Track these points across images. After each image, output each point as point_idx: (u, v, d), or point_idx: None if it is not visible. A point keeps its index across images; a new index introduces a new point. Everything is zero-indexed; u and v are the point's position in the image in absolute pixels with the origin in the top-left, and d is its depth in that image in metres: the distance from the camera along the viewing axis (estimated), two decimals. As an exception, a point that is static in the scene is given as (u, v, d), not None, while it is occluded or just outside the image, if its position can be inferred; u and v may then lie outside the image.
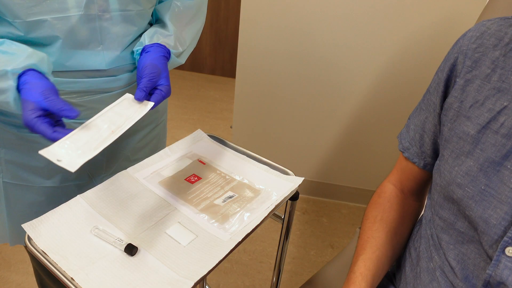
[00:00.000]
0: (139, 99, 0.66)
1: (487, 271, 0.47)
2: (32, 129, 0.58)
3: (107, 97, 0.77)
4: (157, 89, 0.70)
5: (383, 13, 1.43)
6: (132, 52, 0.77)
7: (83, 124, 0.62)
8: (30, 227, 0.65)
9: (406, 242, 0.69)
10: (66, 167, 0.55)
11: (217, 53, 2.99)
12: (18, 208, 0.84)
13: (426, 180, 0.69)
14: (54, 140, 0.58)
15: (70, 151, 0.58)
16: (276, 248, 0.89)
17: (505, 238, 0.46)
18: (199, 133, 0.96)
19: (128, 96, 0.68)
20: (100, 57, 0.72)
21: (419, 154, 0.66)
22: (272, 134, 1.81)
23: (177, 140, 0.92)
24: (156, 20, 0.84)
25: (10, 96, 0.61)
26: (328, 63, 1.57)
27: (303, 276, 1.54)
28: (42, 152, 0.57)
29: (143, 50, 0.75)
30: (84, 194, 0.73)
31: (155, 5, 0.81)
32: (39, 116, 0.58)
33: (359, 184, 1.88)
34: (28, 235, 0.64)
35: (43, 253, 0.61)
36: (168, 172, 0.82)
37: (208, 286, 0.66)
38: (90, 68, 0.72)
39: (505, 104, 0.49)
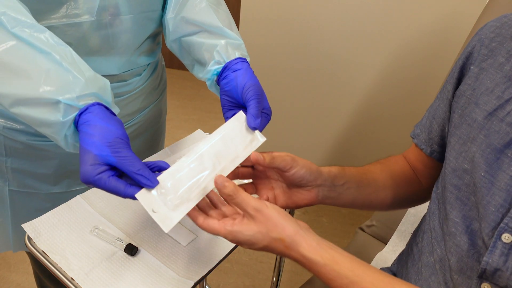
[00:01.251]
0: (256, 127, 0.59)
1: (484, 258, 0.48)
2: (96, 185, 0.48)
3: (116, 102, 0.77)
4: (263, 112, 0.63)
5: (384, 11, 1.43)
6: (140, 55, 0.77)
7: (188, 155, 0.53)
8: (30, 227, 0.65)
9: (405, 196, 0.69)
10: (159, 224, 0.48)
11: (217, 53, 2.98)
12: (23, 215, 0.84)
13: (434, 169, 0.69)
14: (129, 197, 0.48)
15: (167, 199, 0.49)
16: (276, 248, 0.89)
17: (501, 225, 0.47)
18: (200, 133, 0.96)
19: (241, 117, 0.59)
20: (112, 62, 0.72)
21: (427, 141, 0.66)
22: (272, 134, 1.81)
23: (177, 140, 0.92)
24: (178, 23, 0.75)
25: (59, 133, 0.51)
26: (328, 63, 1.57)
27: (303, 276, 1.54)
28: (139, 196, 0.48)
29: (226, 68, 0.66)
30: (84, 194, 0.73)
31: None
32: (105, 171, 0.47)
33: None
34: (28, 236, 0.64)
35: (43, 253, 0.61)
36: (168, 172, 0.82)
37: (208, 286, 0.66)
38: (102, 73, 0.71)
39: None
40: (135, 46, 0.75)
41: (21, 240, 0.88)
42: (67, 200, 0.71)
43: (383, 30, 1.46)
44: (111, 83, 0.73)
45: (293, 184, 0.59)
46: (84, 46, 0.67)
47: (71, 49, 0.54)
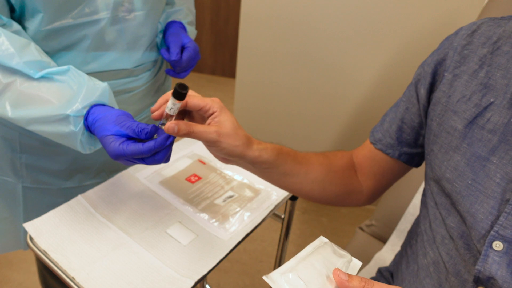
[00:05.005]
0: (175, 59, 0.76)
1: (477, 266, 0.48)
2: (123, 156, 0.54)
3: (128, 97, 0.79)
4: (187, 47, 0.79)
5: (382, 13, 1.43)
6: (150, 50, 0.80)
7: (300, 255, 0.48)
8: (32, 227, 0.65)
9: (340, 192, 0.67)
10: None
11: (217, 54, 2.99)
12: (36, 211, 0.84)
13: (392, 170, 0.68)
14: (149, 152, 0.53)
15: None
16: (276, 247, 0.90)
17: (491, 232, 0.47)
18: (199, 133, 0.97)
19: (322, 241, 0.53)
20: (126, 57, 0.74)
21: (393, 145, 0.65)
22: (272, 134, 1.81)
23: (177, 140, 0.92)
24: None
25: (75, 141, 0.59)
26: (328, 63, 1.57)
27: (303, 275, 1.54)
28: (265, 278, 0.44)
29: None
30: (85, 194, 0.73)
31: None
32: (123, 142, 0.54)
33: (359, 184, 1.88)
34: (29, 235, 0.64)
35: (45, 253, 0.62)
36: (169, 172, 0.83)
37: (208, 285, 0.67)
38: (116, 67, 0.74)
39: (491, 100, 0.50)
40: (147, 41, 0.77)
41: None
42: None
43: (381, 32, 1.46)
44: (123, 78, 0.76)
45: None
46: (100, 41, 0.69)
47: (74, 69, 0.62)
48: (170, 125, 0.49)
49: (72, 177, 0.83)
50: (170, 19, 0.83)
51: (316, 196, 0.66)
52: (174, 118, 0.52)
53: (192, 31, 0.89)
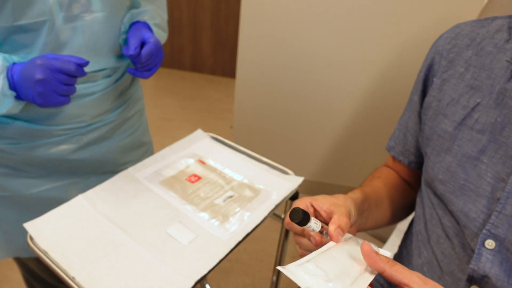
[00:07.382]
0: (132, 54, 0.72)
1: (470, 265, 0.48)
2: (54, 70, 0.61)
3: (87, 101, 0.76)
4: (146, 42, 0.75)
5: (382, 14, 1.43)
6: (112, 56, 0.77)
7: (321, 250, 0.47)
8: (32, 227, 0.65)
9: (402, 207, 0.69)
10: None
11: (217, 54, 2.99)
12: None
13: (413, 176, 0.70)
14: (81, 63, 0.64)
15: (319, 280, 0.41)
16: (276, 247, 0.90)
17: (483, 231, 0.47)
18: (200, 133, 0.97)
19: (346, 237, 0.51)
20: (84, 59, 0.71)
21: (403, 152, 0.68)
22: (272, 134, 1.81)
23: (177, 140, 0.92)
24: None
25: None
26: (328, 63, 1.57)
27: (303, 275, 1.54)
28: (281, 269, 0.42)
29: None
30: (85, 194, 0.73)
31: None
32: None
33: (358, 184, 1.88)
34: (30, 235, 0.64)
35: (45, 252, 0.62)
36: (169, 171, 0.83)
37: (209, 285, 0.67)
38: None
39: (478, 101, 0.51)
40: (108, 45, 0.74)
41: (5, 246, 0.85)
42: (49, 199, 0.71)
43: (380, 33, 1.46)
44: (80, 83, 0.73)
45: None
46: (54, 41, 0.67)
47: None
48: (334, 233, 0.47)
49: (35, 184, 0.79)
50: (135, 20, 0.80)
51: (389, 218, 0.68)
52: (321, 228, 0.49)
53: (160, 34, 0.85)
